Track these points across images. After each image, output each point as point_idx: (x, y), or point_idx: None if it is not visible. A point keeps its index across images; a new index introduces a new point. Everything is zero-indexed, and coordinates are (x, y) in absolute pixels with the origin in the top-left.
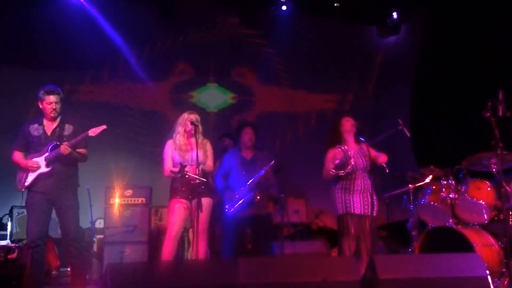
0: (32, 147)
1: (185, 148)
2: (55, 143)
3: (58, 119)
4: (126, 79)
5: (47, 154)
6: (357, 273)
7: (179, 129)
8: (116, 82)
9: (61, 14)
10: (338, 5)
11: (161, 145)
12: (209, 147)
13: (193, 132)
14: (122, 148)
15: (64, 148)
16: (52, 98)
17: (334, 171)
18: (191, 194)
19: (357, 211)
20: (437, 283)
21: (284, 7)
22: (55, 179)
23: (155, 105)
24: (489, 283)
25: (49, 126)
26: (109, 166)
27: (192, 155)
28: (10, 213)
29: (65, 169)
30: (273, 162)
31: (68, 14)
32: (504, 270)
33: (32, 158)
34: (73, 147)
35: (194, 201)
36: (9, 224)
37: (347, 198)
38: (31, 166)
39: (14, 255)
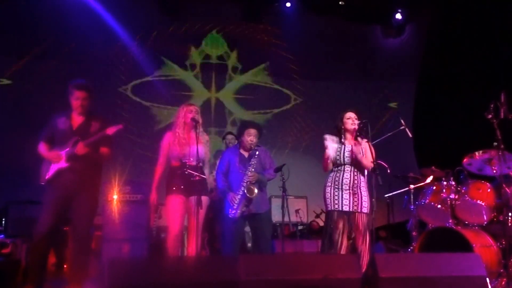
0: (56, 140)
1: (184, 142)
2: (77, 138)
3: (86, 115)
4: (125, 74)
5: (68, 149)
6: (358, 271)
7: (179, 122)
8: (114, 77)
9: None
10: (343, 3)
11: (161, 140)
12: (207, 146)
13: (193, 126)
14: (121, 143)
15: (80, 148)
16: (79, 93)
17: (330, 155)
18: (189, 191)
19: (346, 208)
20: (437, 282)
21: (288, 4)
22: (74, 176)
23: (155, 100)
24: (486, 283)
25: (76, 121)
26: (107, 161)
27: (191, 149)
28: (5, 209)
29: (86, 167)
30: (257, 153)
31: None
32: (502, 270)
33: (55, 151)
34: (93, 146)
35: (192, 198)
36: (3, 220)
37: (336, 194)
38: (52, 157)
39: (8, 250)
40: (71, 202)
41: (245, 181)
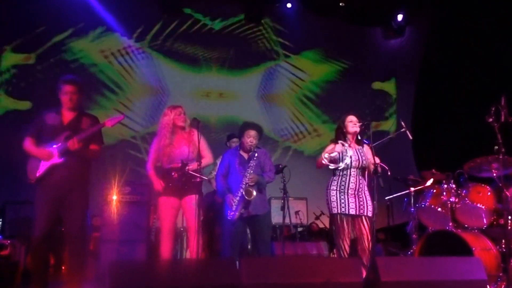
0: (45, 136)
1: (176, 145)
2: (69, 133)
3: (77, 111)
4: (125, 72)
5: (60, 144)
6: (359, 275)
7: (166, 125)
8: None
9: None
10: (343, 4)
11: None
12: (202, 140)
13: (183, 128)
14: (120, 144)
15: (72, 143)
16: (68, 88)
17: (326, 159)
18: (183, 192)
19: (352, 211)
20: (438, 286)
21: (289, 5)
22: (68, 173)
23: (154, 99)
24: (487, 287)
25: (67, 116)
26: (107, 161)
27: (182, 151)
28: (2, 209)
29: (79, 163)
30: (256, 155)
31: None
32: (501, 274)
33: (45, 147)
34: (85, 142)
35: (187, 198)
36: (0, 220)
37: (342, 198)
38: (43, 155)
39: (6, 252)
40: (63, 201)
41: (244, 183)
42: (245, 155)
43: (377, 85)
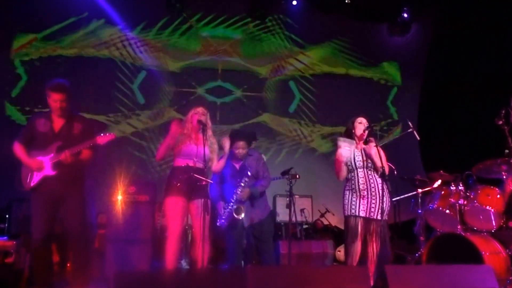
0: (36, 143)
1: (193, 143)
2: (61, 143)
3: (67, 116)
4: (132, 73)
5: (52, 155)
6: (367, 283)
7: (188, 123)
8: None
9: None
10: (349, 1)
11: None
12: (215, 147)
13: (199, 128)
14: (126, 144)
15: (65, 158)
16: (57, 96)
17: (342, 156)
18: (191, 194)
19: (363, 213)
20: None
21: (294, 2)
22: (62, 183)
23: (159, 100)
24: None
25: (58, 123)
26: (112, 161)
27: (198, 150)
28: (8, 207)
29: (72, 171)
30: (249, 174)
31: None
32: (511, 278)
33: (36, 156)
34: (77, 153)
35: (195, 201)
36: (7, 217)
37: (354, 199)
38: (35, 166)
39: (11, 259)
40: (59, 205)
41: (234, 199)
42: (237, 165)
43: (383, 81)
